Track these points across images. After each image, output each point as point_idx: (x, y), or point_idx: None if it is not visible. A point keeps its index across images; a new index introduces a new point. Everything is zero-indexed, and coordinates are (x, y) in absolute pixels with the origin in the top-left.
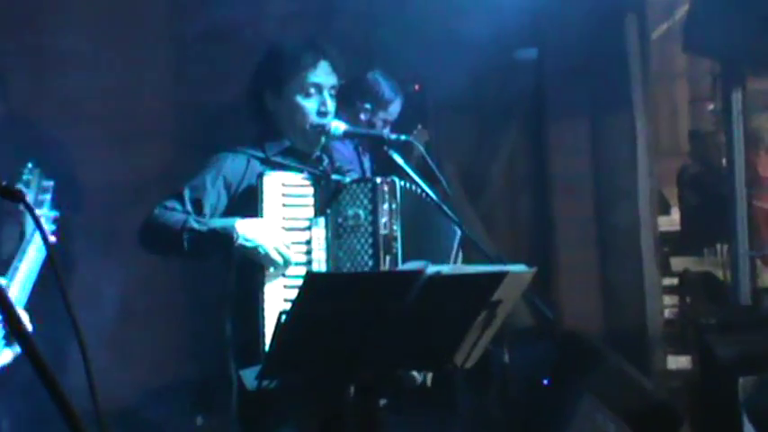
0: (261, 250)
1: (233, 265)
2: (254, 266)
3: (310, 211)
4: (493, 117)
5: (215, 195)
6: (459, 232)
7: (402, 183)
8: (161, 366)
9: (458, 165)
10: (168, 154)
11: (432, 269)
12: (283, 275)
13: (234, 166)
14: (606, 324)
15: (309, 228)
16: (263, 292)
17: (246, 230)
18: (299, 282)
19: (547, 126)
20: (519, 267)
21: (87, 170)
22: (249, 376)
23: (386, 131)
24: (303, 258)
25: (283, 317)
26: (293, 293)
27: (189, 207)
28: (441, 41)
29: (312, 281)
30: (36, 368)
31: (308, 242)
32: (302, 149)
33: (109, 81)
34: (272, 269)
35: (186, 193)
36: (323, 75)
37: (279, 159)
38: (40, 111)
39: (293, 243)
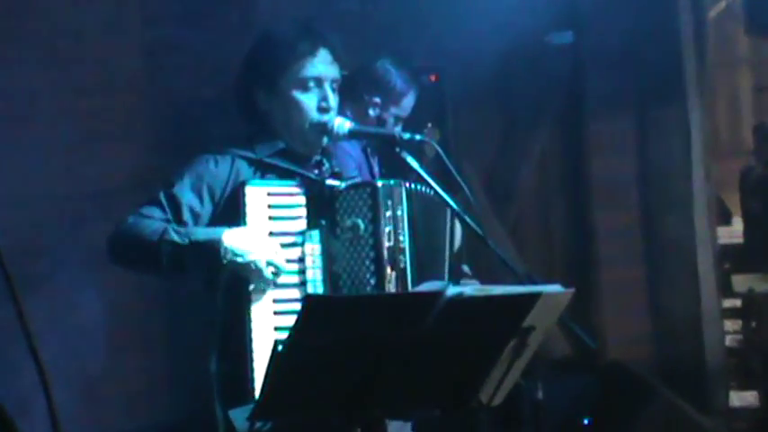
0: (254, 266)
1: (220, 285)
2: (239, 288)
3: (302, 224)
4: (522, 112)
5: (197, 203)
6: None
7: (408, 185)
8: (134, 406)
9: (481, 168)
10: (142, 157)
11: (452, 290)
12: (273, 300)
13: (218, 169)
14: (657, 354)
15: (302, 243)
16: (249, 318)
17: (235, 242)
18: (291, 306)
19: (585, 122)
20: (554, 288)
21: (48, 177)
22: (239, 417)
23: (398, 130)
24: (296, 279)
25: (279, 347)
26: (284, 320)
27: (169, 215)
28: (461, 24)
29: (312, 305)
30: None
31: (301, 259)
32: (300, 152)
33: (71, 74)
34: (257, 286)
35: (164, 199)
36: (323, 65)
37: (270, 161)
38: None
39: (285, 261)
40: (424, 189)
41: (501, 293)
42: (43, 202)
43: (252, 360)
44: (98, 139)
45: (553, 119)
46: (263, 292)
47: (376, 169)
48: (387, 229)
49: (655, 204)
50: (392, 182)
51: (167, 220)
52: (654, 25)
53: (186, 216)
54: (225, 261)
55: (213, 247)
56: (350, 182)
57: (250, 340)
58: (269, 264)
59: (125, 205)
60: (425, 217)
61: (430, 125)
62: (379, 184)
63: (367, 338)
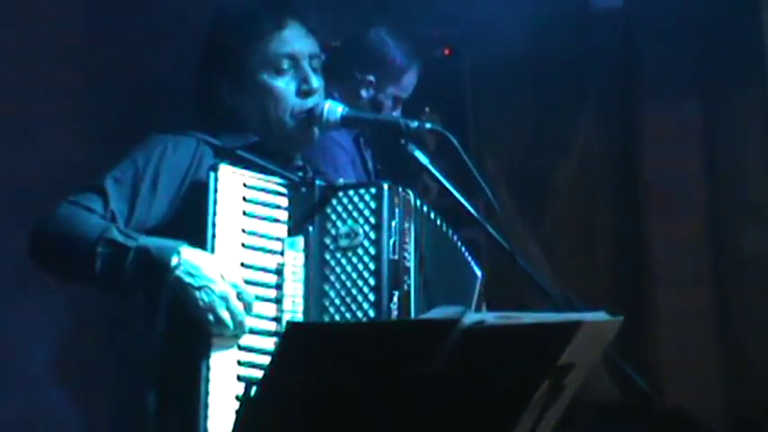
0: (205, 296)
1: (161, 308)
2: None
3: (283, 229)
4: (559, 95)
5: (149, 193)
6: (480, 277)
7: (420, 200)
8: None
9: (508, 166)
10: (80, 146)
11: (471, 318)
12: (238, 346)
13: (177, 154)
14: (728, 399)
15: (282, 251)
16: (198, 350)
17: (195, 259)
18: (262, 326)
19: (639, 109)
20: (598, 315)
21: None
22: None
23: (396, 115)
24: (271, 293)
25: (251, 389)
26: (253, 357)
27: (113, 205)
28: None
29: (295, 334)
30: None
31: (279, 270)
32: (280, 149)
33: None
34: (215, 332)
35: (109, 187)
36: (294, 39)
37: (244, 154)
38: None
39: (258, 269)
40: (429, 210)
41: (531, 322)
42: None
43: (206, 408)
44: (26, 122)
45: (598, 103)
46: (228, 340)
47: (370, 165)
48: (391, 241)
49: (725, 211)
50: (401, 188)
51: (111, 212)
52: None
53: (137, 209)
54: (172, 277)
55: (164, 256)
56: (348, 181)
57: (206, 381)
58: (223, 300)
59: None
60: (433, 236)
61: (428, 109)
62: (386, 186)
63: (363, 379)
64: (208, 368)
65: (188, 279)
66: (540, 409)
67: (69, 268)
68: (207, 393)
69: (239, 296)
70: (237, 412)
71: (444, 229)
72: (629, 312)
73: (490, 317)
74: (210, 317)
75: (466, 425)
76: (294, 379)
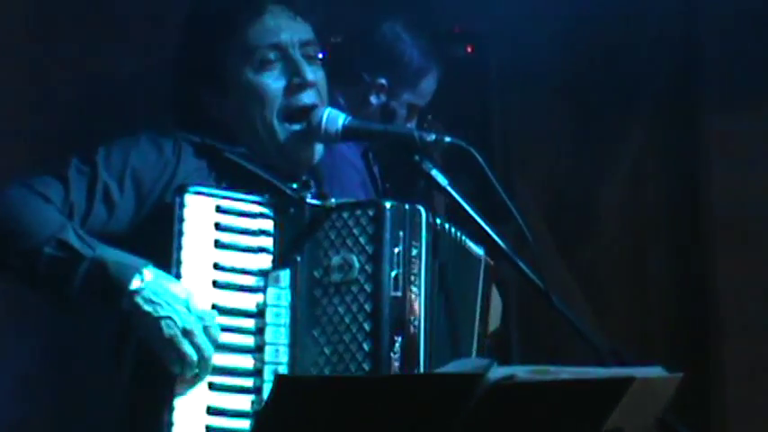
0: (166, 329)
1: (128, 336)
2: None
3: (267, 259)
4: (604, 102)
5: (116, 190)
6: (481, 256)
7: (431, 214)
8: None
9: (542, 187)
10: (33, 160)
11: (498, 372)
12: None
13: (152, 154)
14: None
15: (263, 288)
16: (171, 405)
17: (158, 282)
18: (239, 380)
19: (702, 118)
20: (652, 371)
21: None
22: None
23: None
24: (248, 340)
25: None
26: (225, 400)
27: (73, 196)
28: None
29: (286, 390)
30: None
31: (259, 312)
32: (281, 168)
33: None
34: (176, 370)
35: (72, 173)
36: (279, 25)
37: (233, 157)
38: None
39: (232, 314)
40: (450, 227)
41: (570, 378)
42: None
43: None
44: None
45: (652, 113)
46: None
47: (379, 183)
48: (393, 274)
49: None
50: (407, 205)
51: (70, 205)
52: None
53: (96, 208)
54: (129, 302)
55: (124, 276)
56: (342, 200)
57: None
58: (187, 334)
59: None
60: (453, 266)
61: (430, 117)
62: (388, 205)
63: None
64: (171, 418)
65: (147, 307)
66: None
67: (6, 260)
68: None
69: (206, 330)
70: None
71: (463, 242)
72: (689, 368)
73: (522, 371)
74: (172, 353)
75: None
76: None
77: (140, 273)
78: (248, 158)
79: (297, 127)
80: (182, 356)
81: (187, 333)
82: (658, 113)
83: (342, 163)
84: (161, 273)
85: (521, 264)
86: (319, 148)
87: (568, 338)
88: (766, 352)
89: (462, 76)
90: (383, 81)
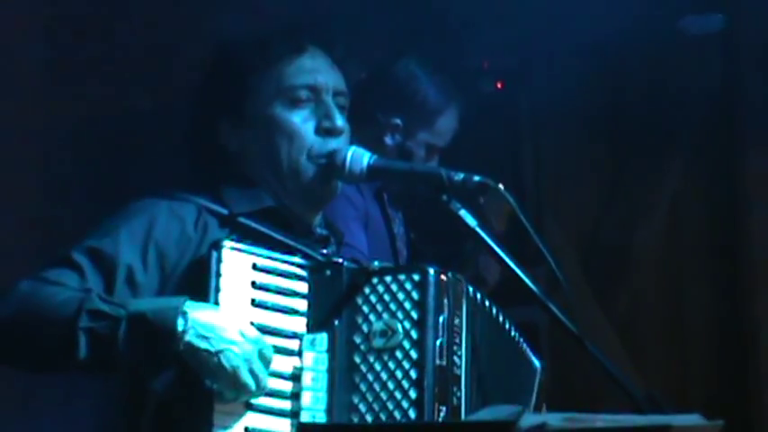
0: (226, 361)
1: (148, 404)
2: (192, 408)
3: (301, 322)
4: (640, 139)
5: (139, 267)
6: (539, 367)
7: (467, 283)
8: None
9: (576, 227)
10: (42, 200)
11: (531, 419)
12: (249, 406)
13: (174, 223)
14: None
15: (300, 351)
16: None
17: (203, 317)
18: None
19: (742, 154)
20: (691, 419)
21: None
22: None
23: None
24: (285, 405)
25: None
26: None
27: (90, 282)
28: (546, 6)
29: None
30: None
31: (296, 376)
32: (295, 214)
33: None
34: (226, 397)
35: (84, 259)
36: (316, 68)
37: (254, 225)
38: None
39: (269, 375)
40: (483, 298)
41: (605, 426)
42: None
43: None
44: None
45: (690, 150)
46: (235, 415)
47: (398, 230)
48: (438, 342)
49: None
50: (450, 273)
51: (86, 290)
52: None
53: (120, 286)
54: (181, 344)
55: (167, 321)
56: (385, 264)
57: None
58: (247, 362)
59: (12, 272)
60: (491, 339)
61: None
62: (431, 270)
63: None
64: None
65: (202, 344)
66: None
67: (42, 359)
68: None
69: (261, 354)
70: None
71: (500, 318)
72: (730, 417)
73: (554, 419)
74: (231, 384)
75: None
76: None
77: (182, 312)
78: (273, 219)
79: (321, 164)
80: (240, 387)
81: (246, 361)
82: (695, 154)
83: (338, 197)
84: (201, 304)
85: (552, 307)
86: (338, 187)
87: (603, 385)
88: None
89: (492, 113)
90: (398, 121)
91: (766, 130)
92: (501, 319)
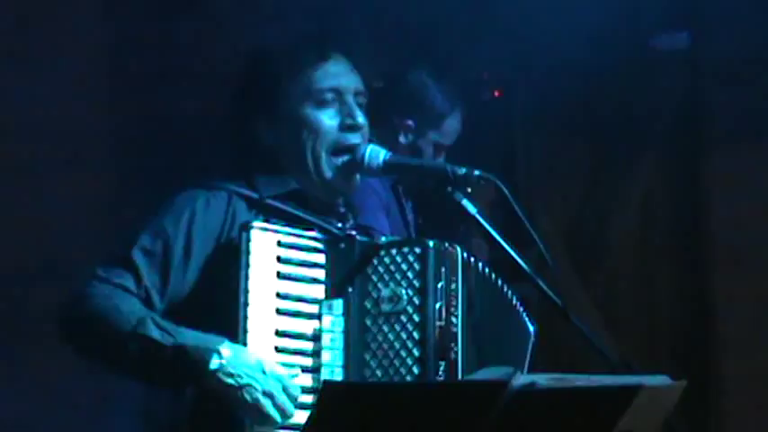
0: (247, 396)
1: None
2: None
3: (320, 289)
4: (617, 142)
5: (182, 263)
6: (532, 332)
7: (465, 253)
8: None
9: (561, 218)
10: (101, 192)
11: (521, 379)
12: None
13: (210, 213)
14: None
15: (319, 315)
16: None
17: (234, 357)
18: (301, 398)
19: (706, 155)
20: (659, 380)
21: None
22: None
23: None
24: (307, 362)
25: None
26: None
27: (146, 281)
28: (535, 26)
29: (332, 395)
30: None
31: (316, 336)
32: (318, 197)
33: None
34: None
35: (140, 261)
36: (339, 73)
37: (278, 204)
38: None
39: (293, 337)
40: (482, 266)
41: (586, 386)
42: None
43: None
44: (42, 167)
45: (659, 152)
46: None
47: (410, 216)
48: (437, 306)
49: None
50: (447, 244)
51: (145, 288)
52: None
53: (171, 281)
54: (213, 380)
55: (204, 358)
56: (391, 238)
57: None
58: (268, 397)
59: (74, 257)
60: (488, 300)
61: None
62: (431, 243)
63: None
64: None
65: (229, 380)
66: None
67: (98, 355)
68: None
69: (285, 390)
70: None
71: (497, 282)
72: (692, 379)
73: (542, 378)
74: (257, 416)
75: None
76: None
77: (218, 352)
78: (296, 200)
79: (342, 160)
80: (265, 417)
81: (267, 395)
82: (664, 155)
83: (365, 189)
84: (236, 346)
85: (541, 284)
86: (358, 180)
87: (584, 351)
88: (761, 363)
89: (490, 118)
90: (410, 122)
91: (725, 136)
92: (498, 283)
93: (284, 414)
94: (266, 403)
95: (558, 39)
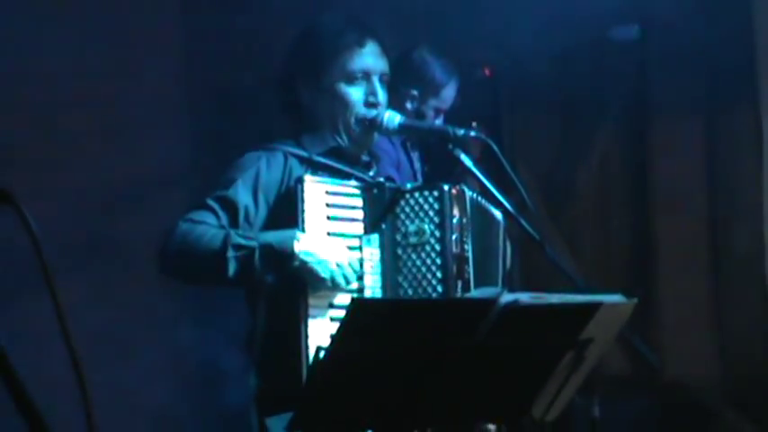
0: (322, 270)
1: (262, 293)
2: (292, 296)
3: (360, 227)
4: (582, 112)
5: (252, 207)
6: (501, 220)
7: (471, 193)
8: (156, 422)
9: (537, 171)
10: (177, 149)
11: (507, 297)
12: (331, 305)
13: (271, 169)
14: (722, 373)
15: (360, 247)
16: (306, 326)
17: (308, 243)
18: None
19: (650, 125)
20: (615, 298)
21: (71, 168)
22: (277, 426)
23: (439, 123)
24: (354, 285)
25: (321, 353)
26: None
27: (224, 220)
28: (517, 17)
29: (358, 309)
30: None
31: (360, 264)
32: (349, 150)
33: (98, 57)
34: (317, 289)
35: (217, 204)
36: (371, 57)
37: (323, 160)
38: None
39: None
40: (480, 199)
41: (559, 302)
42: (72, 195)
43: (303, 369)
44: (130, 129)
45: (614, 120)
46: (324, 299)
47: (417, 165)
48: (453, 236)
49: (722, 213)
50: (458, 187)
51: (221, 227)
52: (727, 20)
53: (242, 220)
54: (297, 260)
55: (286, 246)
56: (415, 184)
57: (306, 347)
58: (339, 267)
59: (156, 200)
60: (483, 230)
61: (475, 124)
62: (447, 187)
63: (414, 348)
64: (306, 328)
65: (309, 258)
66: (565, 376)
67: (202, 276)
68: (307, 348)
69: (351, 264)
70: (308, 374)
71: (487, 210)
72: (639, 298)
73: (524, 297)
74: (329, 282)
75: (502, 386)
76: (355, 346)
77: (297, 238)
78: (335, 156)
79: (366, 122)
80: (336, 284)
81: (340, 266)
82: (620, 119)
83: (379, 148)
84: (308, 235)
85: (523, 222)
86: (376, 137)
87: (556, 276)
88: (692, 287)
89: (481, 93)
90: (415, 92)
91: (667, 108)
92: (487, 210)
93: (348, 281)
94: (337, 273)
95: (536, 31)
